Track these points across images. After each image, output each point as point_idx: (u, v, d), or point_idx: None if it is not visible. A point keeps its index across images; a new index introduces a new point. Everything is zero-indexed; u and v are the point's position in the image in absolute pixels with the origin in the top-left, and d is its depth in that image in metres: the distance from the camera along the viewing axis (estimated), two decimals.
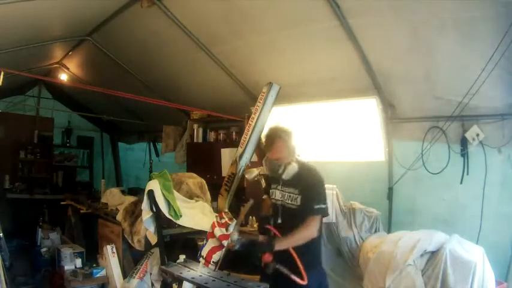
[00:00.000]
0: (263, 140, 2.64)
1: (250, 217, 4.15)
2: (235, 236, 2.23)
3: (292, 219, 2.37)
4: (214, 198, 3.93)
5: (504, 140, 3.13)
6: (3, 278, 3.03)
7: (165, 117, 6.40)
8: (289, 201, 2.44)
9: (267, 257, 2.23)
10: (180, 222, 3.43)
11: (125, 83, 5.79)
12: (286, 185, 2.47)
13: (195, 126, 5.74)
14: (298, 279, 2.22)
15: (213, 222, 2.45)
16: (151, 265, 3.53)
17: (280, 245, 2.28)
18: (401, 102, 3.74)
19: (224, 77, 4.77)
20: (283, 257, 2.27)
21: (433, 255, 2.88)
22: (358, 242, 3.54)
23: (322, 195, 2.41)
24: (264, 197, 2.66)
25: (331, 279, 3.64)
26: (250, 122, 2.34)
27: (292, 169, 2.43)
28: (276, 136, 2.43)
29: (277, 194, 2.52)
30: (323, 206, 2.38)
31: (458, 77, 3.16)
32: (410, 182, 3.74)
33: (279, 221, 2.45)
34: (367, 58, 3.51)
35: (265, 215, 2.53)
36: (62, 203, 5.45)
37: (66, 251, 4.02)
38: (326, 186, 3.86)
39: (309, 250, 2.38)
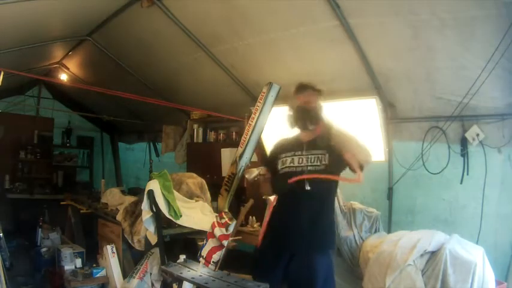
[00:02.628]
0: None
1: (250, 217, 4.15)
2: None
3: (317, 181, 2.24)
4: (214, 198, 3.93)
5: (504, 140, 3.13)
6: (3, 278, 3.03)
7: (165, 117, 6.40)
8: (316, 163, 2.29)
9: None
10: (180, 222, 3.43)
11: (125, 83, 5.79)
12: (309, 148, 2.32)
13: (195, 126, 5.75)
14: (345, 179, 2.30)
15: (213, 222, 2.44)
16: (151, 265, 3.53)
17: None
18: (401, 102, 3.74)
19: (224, 77, 4.77)
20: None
21: (433, 255, 2.88)
22: (358, 242, 3.54)
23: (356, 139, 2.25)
24: (262, 171, 2.39)
25: None
26: (250, 122, 2.33)
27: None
28: (309, 86, 2.38)
29: (294, 161, 2.33)
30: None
31: (458, 77, 3.16)
32: (410, 182, 3.74)
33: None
34: (367, 58, 3.51)
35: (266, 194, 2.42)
36: (62, 203, 5.45)
37: (66, 251, 4.02)
38: None
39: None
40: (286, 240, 2.31)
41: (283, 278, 2.33)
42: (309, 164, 2.31)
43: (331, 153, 2.27)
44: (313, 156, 2.31)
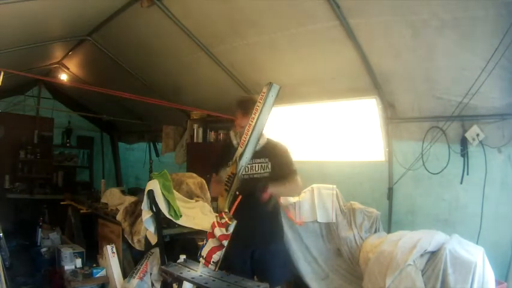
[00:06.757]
0: (239, 106, 2.65)
1: None
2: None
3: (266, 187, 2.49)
4: (214, 198, 3.93)
5: (504, 140, 3.13)
6: (3, 278, 3.03)
7: (165, 117, 6.41)
8: (261, 171, 2.60)
9: (266, 195, 2.38)
10: (180, 222, 3.43)
11: (125, 83, 5.79)
12: (254, 157, 2.51)
13: (195, 126, 5.75)
14: (296, 220, 2.67)
15: (213, 222, 2.44)
16: (151, 265, 3.52)
17: (275, 188, 2.44)
18: (401, 102, 3.75)
19: (224, 77, 4.77)
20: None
21: (433, 255, 2.88)
22: (358, 242, 3.54)
23: (292, 159, 2.67)
24: (214, 176, 2.68)
25: (330, 279, 3.66)
26: (250, 122, 2.33)
27: (263, 139, 2.58)
28: (252, 100, 2.48)
29: (245, 168, 2.53)
30: (295, 168, 2.64)
31: (458, 77, 3.17)
32: (410, 182, 3.75)
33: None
34: (367, 58, 3.51)
35: (215, 195, 2.58)
36: (62, 203, 5.45)
37: (66, 251, 4.02)
38: (326, 186, 3.90)
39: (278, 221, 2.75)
40: (248, 239, 2.57)
41: (252, 267, 2.62)
42: (255, 172, 2.60)
43: (272, 161, 2.61)
44: (257, 164, 2.61)
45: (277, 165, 2.60)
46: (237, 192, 2.42)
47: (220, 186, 2.48)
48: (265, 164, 2.60)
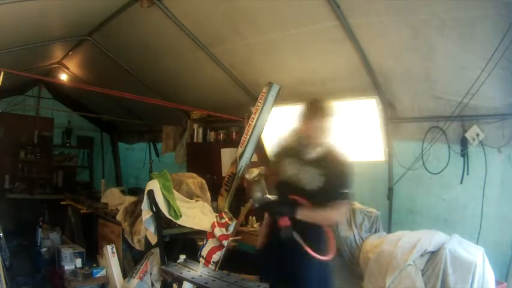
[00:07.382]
0: (306, 107, 2.30)
1: (250, 217, 4.15)
2: (259, 194, 2.18)
3: (310, 200, 2.17)
4: (214, 198, 3.93)
5: (504, 140, 3.13)
6: (3, 278, 3.03)
7: (165, 117, 6.40)
8: (311, 181, 2.21)
9: (284, 221, 2.09)
10: (180, 222, 3.43)
11: (125, 83, 5.79)
12: (307, 164, 2.25)
13: (195, 126, 5.76)
14: (314, 253, 2.10)
15: (213, 222, 2.45)
16: (151, 265, 3.52)
17: (304, 214, 2.12)
18: (401, 102, 3.74)
19: (224, 77, 4.77)
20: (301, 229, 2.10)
21: (433, 255, 2.88)
22: (358, 242, 3.54)
23: (350, 179, 2.24)
24: (263, 171, 2.36)
25: None
26: (250, 122, 2.33)
27: (323, 146, 2.27)
28: (325, 115, 2.21)
29: (293, 171, 2.26)
30: (350, 190, 2.22)
31: (458, 77, 3.16)
32: (410, 182, 3.74)
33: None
34: (367, 58, 3.51)
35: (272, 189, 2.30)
36: (62, 203, 5.45)
37: (66, 251, 4.03)
38: None
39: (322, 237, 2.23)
40: (280, 246, 2.22)
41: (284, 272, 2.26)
42: (303, 178, 2.24)
43: (327, 176, 2.22)
44: (309, 173, 2.24)
45: (329, 182, 2.20)
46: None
47: (275, 178, 2.23)
48: (317, 177, 2.20)
